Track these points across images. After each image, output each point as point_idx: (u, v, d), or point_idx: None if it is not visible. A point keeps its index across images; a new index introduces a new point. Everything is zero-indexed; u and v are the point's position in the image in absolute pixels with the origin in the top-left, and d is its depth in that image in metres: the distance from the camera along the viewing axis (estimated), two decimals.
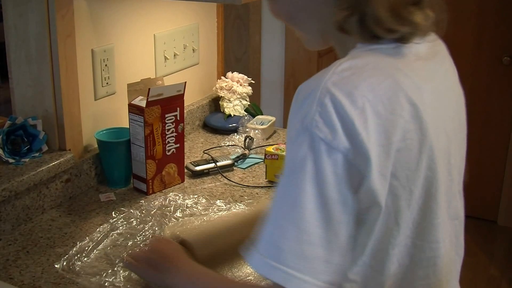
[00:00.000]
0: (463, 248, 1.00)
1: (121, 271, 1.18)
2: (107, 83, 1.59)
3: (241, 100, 2.04)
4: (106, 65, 1.58)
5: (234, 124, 1.98)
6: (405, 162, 0.80)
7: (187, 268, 1.05)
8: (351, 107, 0.75)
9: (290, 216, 0.77)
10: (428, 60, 0.89)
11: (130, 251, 1.19)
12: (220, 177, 1.65)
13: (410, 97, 0.80)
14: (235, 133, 1.95)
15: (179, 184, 1.59)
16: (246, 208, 1.43)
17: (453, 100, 0.94)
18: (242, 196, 1.53)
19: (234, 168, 1.71)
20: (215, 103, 2.10)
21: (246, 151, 1.80)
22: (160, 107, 1.48)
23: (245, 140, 1.85)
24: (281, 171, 0.81)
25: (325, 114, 0.75)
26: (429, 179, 0.84)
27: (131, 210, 1.42)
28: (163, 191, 1.55)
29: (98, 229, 1.34)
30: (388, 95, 0.78)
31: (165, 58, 1.82)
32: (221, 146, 1.88)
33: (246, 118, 1.99)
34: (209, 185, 1.60)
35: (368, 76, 0.79)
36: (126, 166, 1.54)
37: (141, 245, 1.27)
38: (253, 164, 1.74)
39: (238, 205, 1.47)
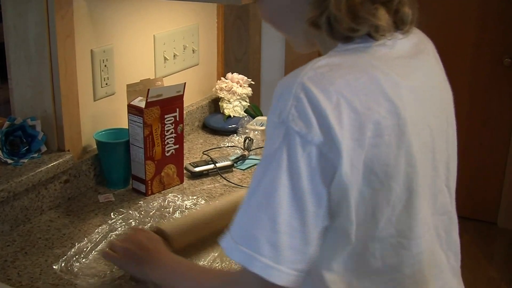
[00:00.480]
0: (457, 245, 1.01)
1: (119, 272, 1.18)
2: (106, 84, 1.59)
3: (240, 101, 2.04)
4: (105, 66, 1.58)
5: (233, 125, 1.98)
6: (383, 157, 0.82)
7: (165, 258, 1.08)
8: (326, 102, 0.77)
9: (265, 206, 0.80)
10: (410, 58, 0.91)
11: (109, 243, 1.20)
12: (219, 178, 1.65)
13: (387, 93, 0.82)
14: (235, 134, 1.95)
15: (178, 185, 1.59)
16: (221, 199, 1.45)
17: (437, 97, 0.96)
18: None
19: (234, 169, 1.72)
20: (215, 104, 2.10)
21: (246, 152, 1.80)
22: (160, 108, 1.47)
23: (244, 141, 1.85)
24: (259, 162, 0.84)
25: (300, 108, 0.78)
26: (410, 175, 0.85)
27: (130, 211, 1.42)
28: (162, 192, 1.55)
29: (96, 230, 1.33)
30: (364, 92, 0.81)
31: (165, 58, 1.82)
32: (220, 147, 1.88)
33: (245, 119, 1.99)
34: (208, 186, 1.60)
35: (345, 73, 0.81)
36: (125, 167, 1.54)
37: (119, 235, 1.29)
38: (253, 165, 1.74)
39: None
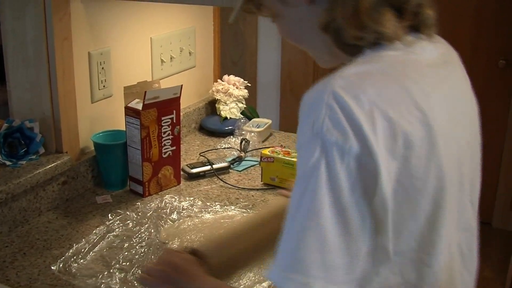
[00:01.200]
0: (475, 262, 0.97)
1: (117, 273, 1.18)
2: (103, 86, 1.60)
3: (237, 103, 2.05)
4: (103, 68, 1.58)
5: (230, 127, 1.99)
6: (412, 170, 0.77)
7: (201, 280, 1.03)
8: (359, 110, 0.73)
9: (307, 225, 0.74)
10: (438, 67, 0.88)
11: (144, 267, 1.17)
12: (216, 179, 1.66)
13: (418, 103, 0.78)
14: (231, 136, 1.95)
15: (175, 186, 1.60)
16: (253, 212, 1.42)
17: (464, 109, 0.92)
18: (238, 199, 1.54)
19: (230, 170, 1.72)
20: (212, 105, 2.11)
21: (242, 154, 1.80)
22: (157, 110, 1.48)
23: (241, 142, 1.85)
24: (294, 181, 0.78)
25: (334, 117, 0.73)
26: (438, 189, 0.81)
27: (128, 212, 1.43)
28: (159, 193, 1.55)
29: (94, 231, 1.34)
30: (396, 101, 0.77)
31: (162, 61, 1.83)
32: (217, 149, 1.89)
33: (242, 120, 1.99)
34: (205, 187, 1.61)
35: (375, 81, 0.78)
36: (123, 168, 1.54)
37: (152, 258, 1.26)
38: (249, 167, 1.75)
39: (232, 207, 1.48)
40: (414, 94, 0.79)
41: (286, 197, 1.22)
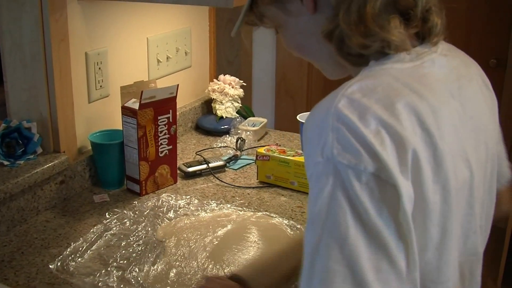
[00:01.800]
0: (478, 285, 0.94)
1: (115, 271, 1.19)
2: (100, 86, 1.61)
3: (233, 102, 2.06)
4: (99, 68, 1.59)
5: (226, 126, 2.00)
6: (423, 192, 0.73)
7: None
8: (366, 129, 0.69)
9: (341, 259, 0.67)
10: (449, 83, 0.83)
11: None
12: (212, 178, 1.67)
13: (424, 121, 0.74)
14: (227, 135, 1.96)
15: (172, 185, 1.61)
16: (291, 232, 1.38)
17: (478, 128, 0.86)
18: (234, 197, 1.55)
19: (226, 169, 1.73)
20: (207, 105, 2.12)
21: (238, 153, 1.81)
22: (153, 110, 1.49)
23: (236, 141, 1.86)
24: (308, 217, 0.73)
25: (342, 139, 0.69)
26: (445, 213, 0.76)
27: (125, 211, 1.43)
28: (156, 192, 1.56)
29: (92, 230, 1.35)
30: (401, 118, 0.72)
31: (158, 61, 1.84)
32: (213, 148, 1.89)
33: (238, 120, 2.00)
34: (202, 186, 1.62)
35: (379, 98, 0.73)
36: (120, 167, 1.55)
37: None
38: (245, 165, 1.76)
39: (228, 205, 1.49)
40: (420, 111, 0.74)
41: None
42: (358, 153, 0.68)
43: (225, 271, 1.20)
